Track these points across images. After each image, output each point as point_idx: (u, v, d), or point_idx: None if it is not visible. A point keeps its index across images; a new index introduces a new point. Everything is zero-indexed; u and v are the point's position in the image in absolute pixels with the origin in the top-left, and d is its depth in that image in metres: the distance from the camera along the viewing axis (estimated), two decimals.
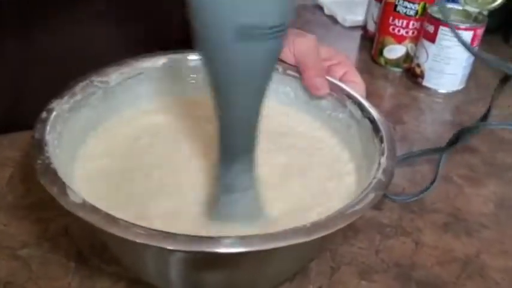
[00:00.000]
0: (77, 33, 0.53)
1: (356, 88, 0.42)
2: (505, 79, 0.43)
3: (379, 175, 0.33)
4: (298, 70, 0.44)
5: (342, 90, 0.42)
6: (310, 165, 0.40)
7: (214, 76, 0.28)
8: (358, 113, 0.40)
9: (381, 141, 0.36)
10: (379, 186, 0.32)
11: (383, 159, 0.34)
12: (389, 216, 0.46)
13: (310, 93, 0.43)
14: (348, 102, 0.41)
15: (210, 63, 0.28)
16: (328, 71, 0.44)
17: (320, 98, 0.43)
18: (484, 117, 0.47)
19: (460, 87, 0.68)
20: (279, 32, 0.26)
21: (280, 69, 0.44)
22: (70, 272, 0.38)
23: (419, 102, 0.66)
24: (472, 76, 0.69)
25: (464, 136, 0.46)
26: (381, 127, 0.37)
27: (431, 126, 0.61)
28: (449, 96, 0.68)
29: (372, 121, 0.38)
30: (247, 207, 0.34)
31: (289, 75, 0.44)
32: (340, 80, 0.44)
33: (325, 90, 0.42)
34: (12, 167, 0.48)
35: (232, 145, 0.32)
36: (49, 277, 0.38)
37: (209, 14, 0.25)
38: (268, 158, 0.39)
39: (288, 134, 0.43)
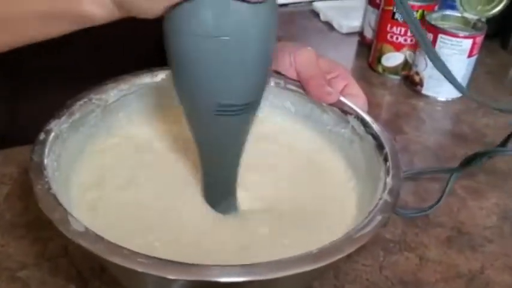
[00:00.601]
0: (74, 47, 0.53)
1: (357, 102, 0.41)
2: None
3: (385, 196, 0.32)
4: (299, 84, 0.43)
5: (344, 104, 0.41)
6: (310, 183, 0.40)
7: (197, 141, 0.34)
8: (360, 129, 0.39)
9: (386, 159, 0.36)
10: (385, 208, 0.31)
11: (389, 179, 0.34)
12: (393, 231, 0.45)
13: (320, 102, 0.42)
14: (350, 118, 0.40)
15: (193, 130, 0.33)
16: (328, 84, 0.43)
17: (321, 112, 0.42)
18: (503, 143, 0.47)
19: (459, 95, 0.68)
20: (253, 106, 0.32)
21: (282, 82, 0.44)
22: None
23: (419, 111, 0.66)
24: (472, 84, 0.69)
25: (479, 159, 0.46)
26: (385, 144, 0.37)
27: (432, 136, 0.61)
28: (448, 104, 0.68)
29: (376, 137, 0.38)
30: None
31: (289, 89, 0.44)
32: (341, 93, 0.42)
33: (336, 95, 0.41)
34: (9, 184, 0.47)
35: (216, 191, 0.37)
36: None
37: (194, 92, 0.30)
38: (265, 176, 0.39)
39: (287, 150, 0.43)
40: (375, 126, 0.39)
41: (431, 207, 0.47)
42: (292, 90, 0.43)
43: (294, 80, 0.43)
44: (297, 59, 0.42)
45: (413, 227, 0.46)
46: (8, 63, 0.51)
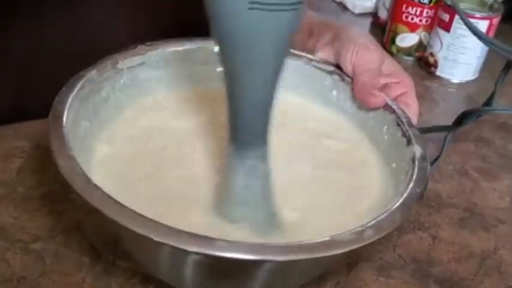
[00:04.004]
0: (86, 22, 0.52)
1: (408, 111, 0.39)
2: (508, 65, 0.43)
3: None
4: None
5: (392, 110, 0.39)
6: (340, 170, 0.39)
7: (226, 50, 0.27)
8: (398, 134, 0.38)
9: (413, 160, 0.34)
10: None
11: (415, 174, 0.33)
12: None
13: (363, 103, 0.40)
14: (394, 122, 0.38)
15: (222, 34, 0.27)
16: (386, 88, 0.41)
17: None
18: (488, 103, 0.46)
19: (473, 77, 0.67)
20: (293, 6, 0.25)
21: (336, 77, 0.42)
22: (84, 267, 0.37)
23: (433, 92, 0.65)
24: (486, 66, 0.68)
25: (469, 118, 0.45)
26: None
27: (446, 118, 0.60)
28: (462, 86, 0.67)
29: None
30: (259, 196, 0.33)
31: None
32: (395, 99, 0.40)
33: (381, 99, 0.39)
34: (21, 158, 0.47)
35: (246, 129, 0.31)
36: (63, 272, 0.37)
37: None
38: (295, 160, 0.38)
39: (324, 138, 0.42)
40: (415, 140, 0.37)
41: (432, 162, 0.46)
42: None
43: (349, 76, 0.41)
44: (358, 59, 0.40)
45: (426, 207, 0.46)
46: (19, 36, 0.51)
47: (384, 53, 0.42)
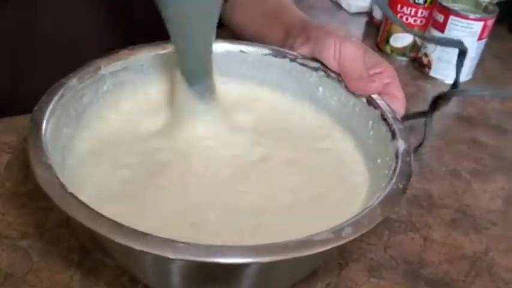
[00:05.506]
0: (79, 17, 0.51)
1: (394, 103, 0.39)
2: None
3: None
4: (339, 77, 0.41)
5: (377, 105, 0.38)
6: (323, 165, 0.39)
7: (167, 8, 0.33)
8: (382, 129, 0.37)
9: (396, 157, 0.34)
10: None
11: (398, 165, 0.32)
12: (398, 211, 0.45)
13: (362, 94, 0.39)
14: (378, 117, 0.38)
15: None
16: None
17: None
18: (454, 85, 0.46)
19: (467, 79, 0.67)
20: None
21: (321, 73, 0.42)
22: (72, 264, 0.37)
23: (426, 93, 0.65)
24: (480, 67, 0.68)
25: (442, 102, 0.45)
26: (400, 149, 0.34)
27: (439, 119, 0.60)
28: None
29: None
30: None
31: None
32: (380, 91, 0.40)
33: (380, 84, 0.39)
34: (9, 153, 0.46)
35: (191, 70, 0.37)
36: (50, 270, 0.36)
37: None
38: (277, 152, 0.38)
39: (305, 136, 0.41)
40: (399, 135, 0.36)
41: (416, 148, 0.45)
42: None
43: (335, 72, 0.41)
44: (342, 54, 0.39)
45: (418, 208, 0.46)
46: (12, 32, 0.50)
47: (364, 44, 0.41)
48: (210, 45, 0.36)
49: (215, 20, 0.34)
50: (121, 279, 0.36)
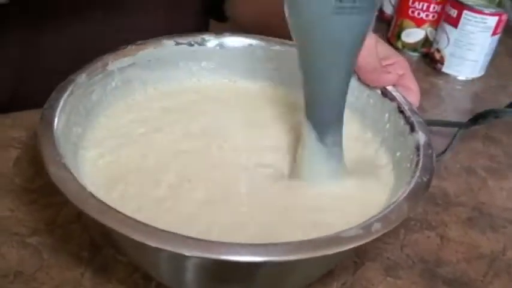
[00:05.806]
0: (88, 24, 0.51)
1: (409, 95, 0.38)
2: None
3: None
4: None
5: (393, 97, 0.38)
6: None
7: (307, 49, 0.30)
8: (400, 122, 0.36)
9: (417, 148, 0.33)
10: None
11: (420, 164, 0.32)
12: None
13: (376, 86, 0.39)
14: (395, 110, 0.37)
15: (306, 35, 0.30)
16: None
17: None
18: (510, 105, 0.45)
19: (479, 75, 0.66)
20: (374, 5, 0.28)
21: None
22: (83, 261, 0.36)
23: (439, 89, 0.64)
24: (493, 63, 0.67)
25: (487, 118, 0.44)
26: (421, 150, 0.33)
27: (453, 115, 0.59)
28: (468, 83, 0.66)
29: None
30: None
31: None
32: (395, 83, 0.39)
33: (395, 75, 0.38)
34: (18, 148, 0.45)
35: (324, 117, 0.34)
36: (61, 266, 0.36)
37: None
38: None
39: None
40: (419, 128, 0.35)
41: (439, 154, 0.45)
42: None
43: None
44: None
45: (433, 206, 0.45)
46: (19, 26, 0.49)
47: (375, 35, 0.41)
48: (347, 86, 0.32)
49: (358, 55, 0.31)
50: (133, 276, 0.36)
